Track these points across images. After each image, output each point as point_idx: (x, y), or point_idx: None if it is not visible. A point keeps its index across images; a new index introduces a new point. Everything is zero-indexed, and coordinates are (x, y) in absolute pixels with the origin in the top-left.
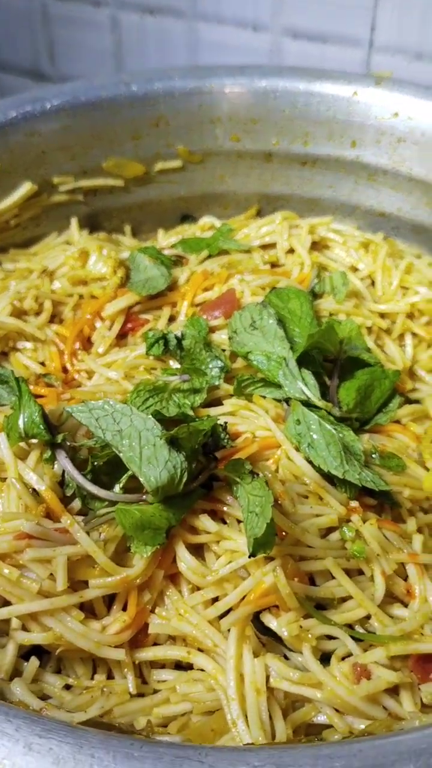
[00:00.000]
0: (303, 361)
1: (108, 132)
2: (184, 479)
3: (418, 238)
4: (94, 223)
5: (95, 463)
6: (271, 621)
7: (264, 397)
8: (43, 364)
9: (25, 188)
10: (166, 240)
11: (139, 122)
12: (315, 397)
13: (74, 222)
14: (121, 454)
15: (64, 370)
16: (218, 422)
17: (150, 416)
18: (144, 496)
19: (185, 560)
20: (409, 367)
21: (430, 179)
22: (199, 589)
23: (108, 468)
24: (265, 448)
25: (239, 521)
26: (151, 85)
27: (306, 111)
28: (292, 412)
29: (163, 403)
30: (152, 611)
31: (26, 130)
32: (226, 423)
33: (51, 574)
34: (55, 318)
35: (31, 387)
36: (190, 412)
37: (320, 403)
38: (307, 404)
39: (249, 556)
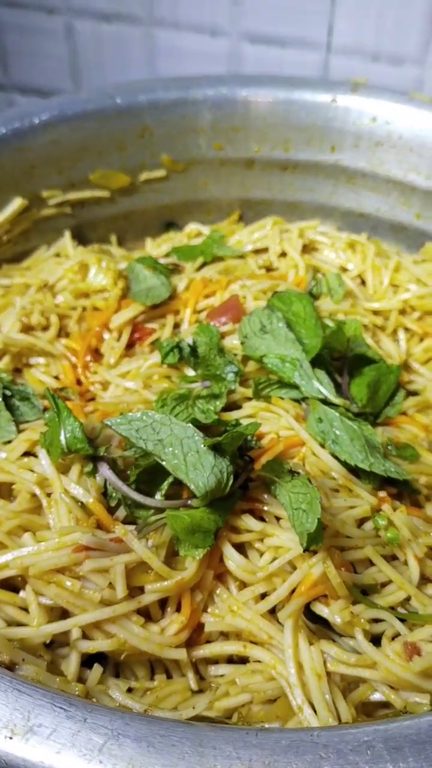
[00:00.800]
0: (315, 361)
1: (95, 144)
2: (230, 482)
3: (397, 237)
4: (80, 234)
5: (137, 472)
6: (322, 610)
7: (282, 399)
8: (56, 378)
9: (16, 204)
10: (155, 249)
11: (125, 134)
12: (331, 395)
13: (67, 235)
14: (164, 463)
15: (78, 382)
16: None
17: (189, 424)
18: (188, 501)
19: (233, 559)
20: (404, 361)
21: (407, 180)
22: (246, 585)
23: (146, 476)
24: (290, 447)
25: (278, 518)
26: (136, 97)
27: (286, 118)
28: (312, 411)
29: (189, 410)
30: (204, 610)
31: (15, 146)
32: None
33: (110, 583)
34: (60, 332)
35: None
36: (215, 417)
37: (338, 400)
38: (325, 402)
39: (304, 550)
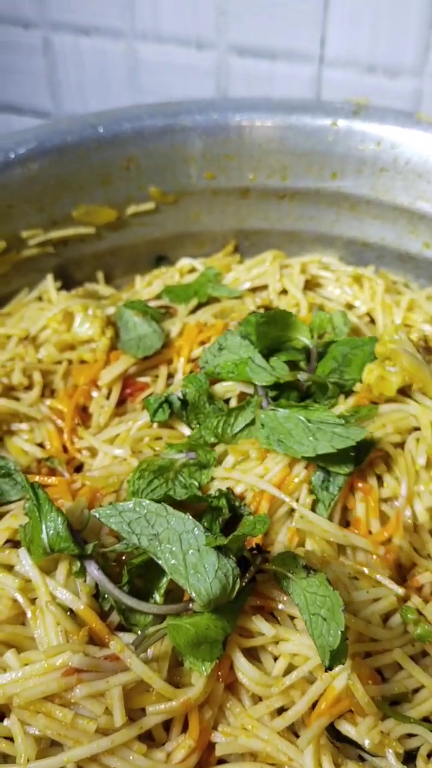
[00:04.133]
0: (273, 353)
1: (76, 179)
2: (237, 587)
3: (405, 267)
4: (64, 273)
5: (130, 570)
6: (348, 729)
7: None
8: (41, 445)
9: None
10: (145, 287)
11: (109, 166)
12: (285, 374)
13: (50, 278)
14: (161, 562)
15: (65, 449)
16: (224, 490)
17: (188, 516)
18: (191, 605)
19: (245, 670)
20: None
21: (414, 208)
22: (261, 698)
23: (143, 571)
24: (271, 499)
25: (291, 617)
26: (120, 126)
27: (283, 144)
28: (257, 421)
29: (170, 484)
30: (214, 728)
31: None
32: (228, 489)
33: (106, 707)
34: (45, 388)
35: (37, 477)
36: (198, 492)
37: (288, 375)
38: (279, 386)
39: (326, 670)
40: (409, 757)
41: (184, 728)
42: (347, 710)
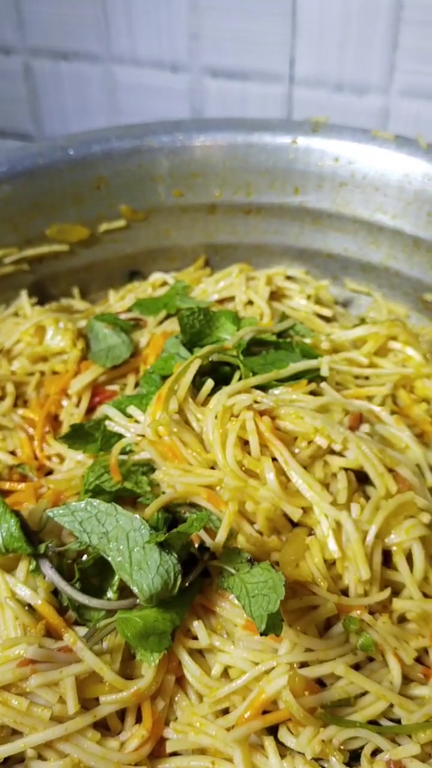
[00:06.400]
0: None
1: (49, 199)
2: (178, 582)
3: (367, 276)
4: (41, 289)
5: (81, 568)
6: (288, 740)
7: None
8: (12, 452)
9: None
10: (118, 301)
11: (80, 186)
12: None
13: (24, 294)
14: (109, 558)
15: (35, 456)
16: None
17: (136, 515)
18: (137, 600)
19: (189, 668)
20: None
21: (373, 220)
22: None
23: (96, 569)
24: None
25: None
26: (89, 148)
27: (246, 162)
28: None
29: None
30: (166, 724)
31: None
32: None
33: (60, 696)
34: (17, 399)
35: (6, 484)
36: (147, 488)
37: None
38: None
39: (261, 634)
40: (354, 756)
41: (138, 719)
42: (287, 719)
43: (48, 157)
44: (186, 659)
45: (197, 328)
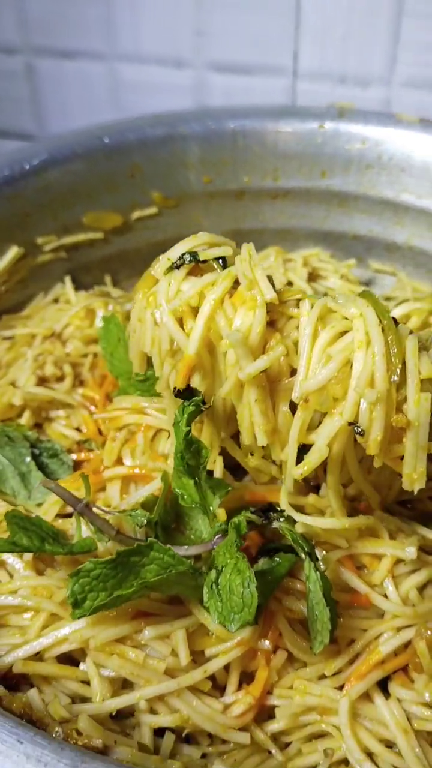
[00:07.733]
0: None
1: (85, 186)
2: None
3: (391, 256)
4: (74, 278)
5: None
6: (403, 693)
7: None
8: (78, 429)
9: (12, 252)
10: None
11: (115, 174)
12: None
13: (68, 280)
14: None
15: (99, 431)
16: None
17: None
18: None
19: (290, 639)
20: None
21: (399, 200)
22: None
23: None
24: None
25: None
26: (124, 137)
27: (275, 147)
28: None
29: None
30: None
31: (8, 195)
32: None
33: (172, 650)
34: (74, 380)
35: (74, 456)
36: None
37: None
38: None
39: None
40: None
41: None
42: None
43: (84, 145)
44: (287, 630)
45: None
